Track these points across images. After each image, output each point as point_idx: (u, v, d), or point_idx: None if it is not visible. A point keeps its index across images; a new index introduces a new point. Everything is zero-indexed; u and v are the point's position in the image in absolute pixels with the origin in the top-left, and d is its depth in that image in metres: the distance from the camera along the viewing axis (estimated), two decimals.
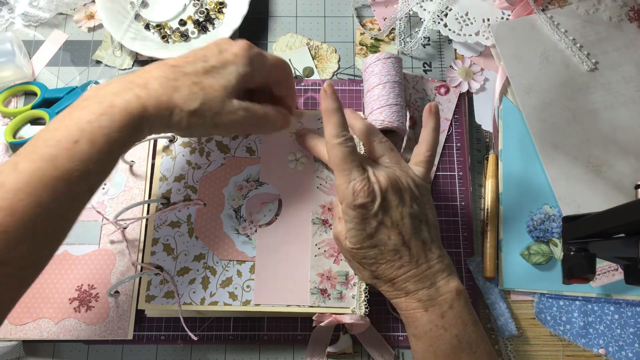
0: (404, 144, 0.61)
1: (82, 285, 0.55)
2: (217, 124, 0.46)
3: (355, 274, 0.53)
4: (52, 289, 0.55)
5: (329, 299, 0.53)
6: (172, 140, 0.58)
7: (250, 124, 0.48)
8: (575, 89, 0.64)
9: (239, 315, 0.56)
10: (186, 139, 0.58)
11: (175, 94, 0.43)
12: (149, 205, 0.56)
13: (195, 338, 0.53)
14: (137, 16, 0.67)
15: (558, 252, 0.59)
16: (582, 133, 0.62)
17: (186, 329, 0.52)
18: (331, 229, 0.55)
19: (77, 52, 0.66)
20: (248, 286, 0.54)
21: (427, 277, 0.47)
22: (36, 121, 0.62)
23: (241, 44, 0.48)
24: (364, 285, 0.54)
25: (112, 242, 0.56)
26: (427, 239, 0.48)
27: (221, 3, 0.68)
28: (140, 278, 0.54)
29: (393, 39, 0.68)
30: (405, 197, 0.48)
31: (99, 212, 0.56)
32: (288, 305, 0.53)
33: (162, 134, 0.58)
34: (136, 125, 0.42)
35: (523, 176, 0.61)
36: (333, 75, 0.66)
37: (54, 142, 0.40)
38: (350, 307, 0.53)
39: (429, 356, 0.47)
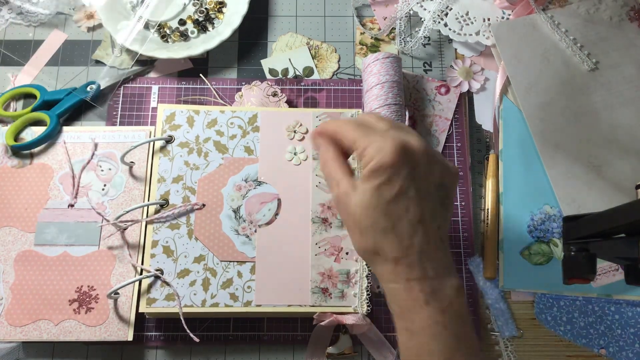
0: None
1: (81, 286, 0.55)
2: None
3: (353, 245, 0.45)
4: (52, 290, 0.55)
5: (331, 297, 0.53)
6: (169, 141, 0.57)
7: None
8: (576, 89, 0.64)
9: (239, 316, 0.56)
10: (184, 140, 0.58)
11: None
12: (148, 207, 0.56)
13: (197, 340, 0.53)
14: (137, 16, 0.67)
15: (558, 252, 0.59)
16: (583, 133, 0.62)
17: (187, 330, 0.52)
18: (331, 227, 0.55)
19: (77, 52, 0.66)
20: (249, 287, 0.53)
21: (434, 265, 0.43)
22: (37, 123, 0.61)
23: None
24: (365, 284, 0.54)
25: (112, 243, 0.56)
26: (443, 226, 0.44)
27: (221, 2, 0.68)
28: (140, 280, 0.54)
29: (393, 39, 0.68)
30: (435, 170, 0.43)
31: (98, 214, 0.56)
32: (289, 305, 0.53)
33: (159, 137, 0.57)
34: None
35: (523, 176, 0.61)
36: (333, 75, 0.66)
37: None
38: (352, 305, 0.53)
39: (424, 354, 0.43)
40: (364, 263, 0.55)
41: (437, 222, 0.43)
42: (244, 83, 0.64)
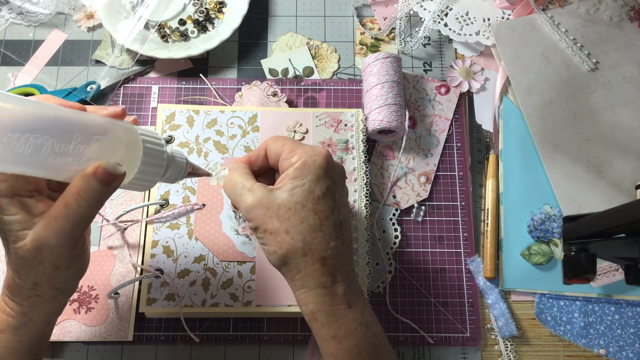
0: (403, 144, 0.61)
1: (81, 286, 0.55)
2: None
3: (273, 252, 0.43)
4: None
5: None
6: (169, 141, 0.57)
7: None
8: (576, 89, 0.64)
9: (239, 315, 0.56)
10: (184, 140, 0.58)
11: None
12: (148, 207, 0.56)
13: (197, 340, 0.53)
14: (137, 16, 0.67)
15: (558, 252, 0.59)
16: (583, 133, 0.62)
17: (187, 330, 0.52)
18: None
19: (77, 52, 0.66)
20: (249, 287, 0.53)
21: (350, 269, 0.45)
22: None
23: None
24: (365, 284, 0.53)
25: (112, 243, 0.56)
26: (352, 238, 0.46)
27: (221, 2, 0.68)
28: (140, 280, 0.54)
29: (393, 39, 0.68)
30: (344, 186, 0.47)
31: (98, 213, 0.56)
32: (289, 305, 0.53)
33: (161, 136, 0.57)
34: None
35: (523, 176, 0.61)
36: (333, 75, 0.66)
37: None
38: None
39: (352, 358, 0.42)
40: (364, 263, 0.55)
41: (351, 231, 0.47)
42: (244, 83, 0.64)
